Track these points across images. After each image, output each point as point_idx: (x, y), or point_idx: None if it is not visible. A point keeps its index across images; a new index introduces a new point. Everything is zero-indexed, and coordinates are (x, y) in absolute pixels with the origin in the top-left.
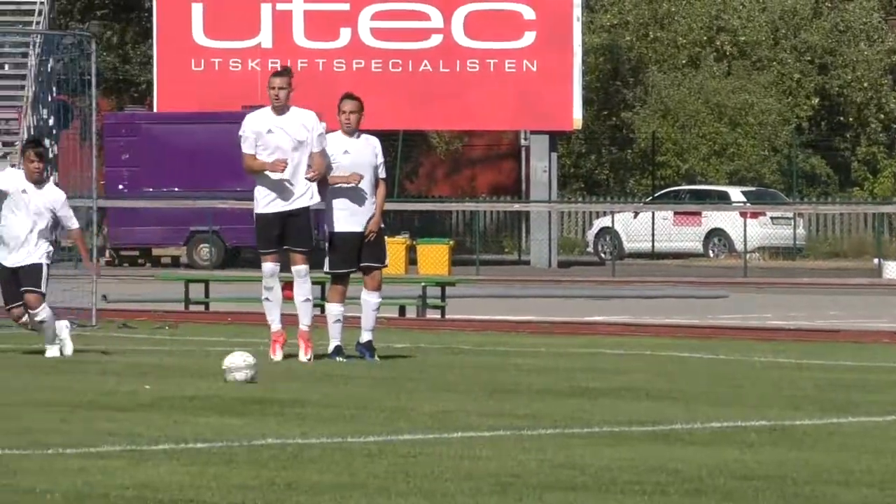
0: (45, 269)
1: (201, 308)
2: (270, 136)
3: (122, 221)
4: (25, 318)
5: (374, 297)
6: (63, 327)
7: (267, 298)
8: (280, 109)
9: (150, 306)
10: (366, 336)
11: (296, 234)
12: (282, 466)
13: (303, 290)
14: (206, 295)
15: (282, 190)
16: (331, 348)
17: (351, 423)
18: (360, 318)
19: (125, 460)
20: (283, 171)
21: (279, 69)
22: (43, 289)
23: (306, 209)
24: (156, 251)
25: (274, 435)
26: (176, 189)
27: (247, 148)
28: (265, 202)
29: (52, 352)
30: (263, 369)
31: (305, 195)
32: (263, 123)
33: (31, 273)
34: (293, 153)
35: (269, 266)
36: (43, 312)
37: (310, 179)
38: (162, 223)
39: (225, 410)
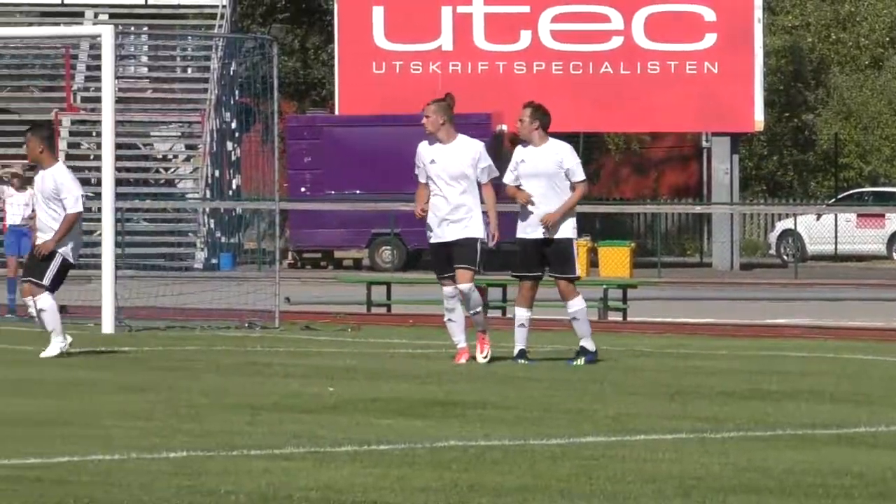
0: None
1: (383, 310)
2: (433, 166)
3: (305, 224)
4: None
5: (570, 307)
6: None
7: (450, 319)
8: (446, 138)
9: (333, 308)
10: (581, 342)
11: (461, 258)
12: (464, 468)
13: (471, 304)
14: (388, 297)
15: (446, 223)
16: (515, 351)
17: (533, 425)
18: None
19: (309, 462)
20: (422, 213)
21: (441, 97)
22: (43, 280)
23: (473, 239)
24: (338, 253)
25: (456, 437)
26: (357, 192)
27: (421, 177)
28: (434, 233)
29: (49, 351)
30: (445, 371)
31: (471, 226)
32: (428, 153)
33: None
34: (453, 183)
35: (448, 290)
36: (41, 302)
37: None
38: (344, 225)
39: (407, 412)
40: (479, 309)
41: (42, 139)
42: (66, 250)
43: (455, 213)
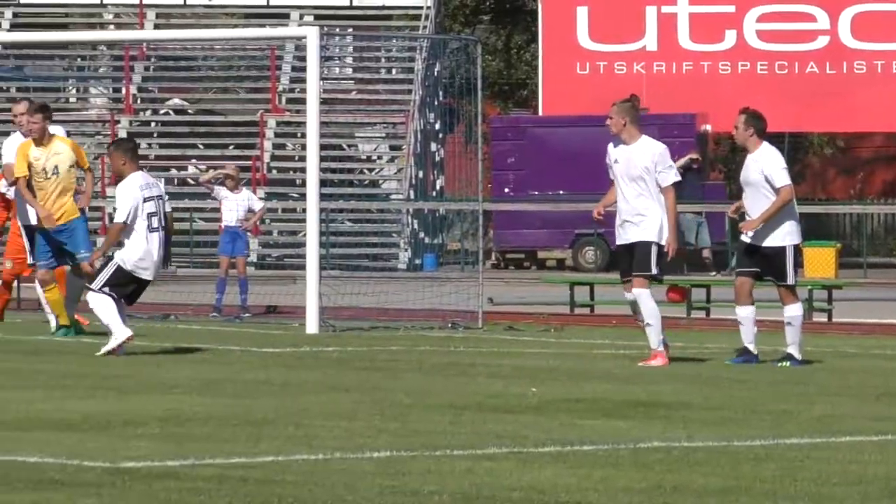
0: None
1: (586, 311)
2: (616, 166)
3: (508, 224)
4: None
5: (785, 312)
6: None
7: (648, 323)
8: (629, 139)
9: (536, 309)
10: (789, 348)
11: (635, 264)
12: (667, 469)
13: (641, 314)
14: (591, 298)
15: (627, 224)
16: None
17: (737, 426)
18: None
19: (512, 462)
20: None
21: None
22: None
23: (647, 243)
24: (541, 254)
25: (659, 438)
26: (561, 192)
27: (611, 176)
28: (617, 235)
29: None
30: (648, 372)
31: (646, 229)
32: (613, 154)
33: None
34: (632, 185)
35: (627, 294)
36: (90, 301)
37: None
38: (547, 226)
39: (610, 413)
40: (651, 322)
41: (124, 152)
42: (123, 257)
43: (633, 215)
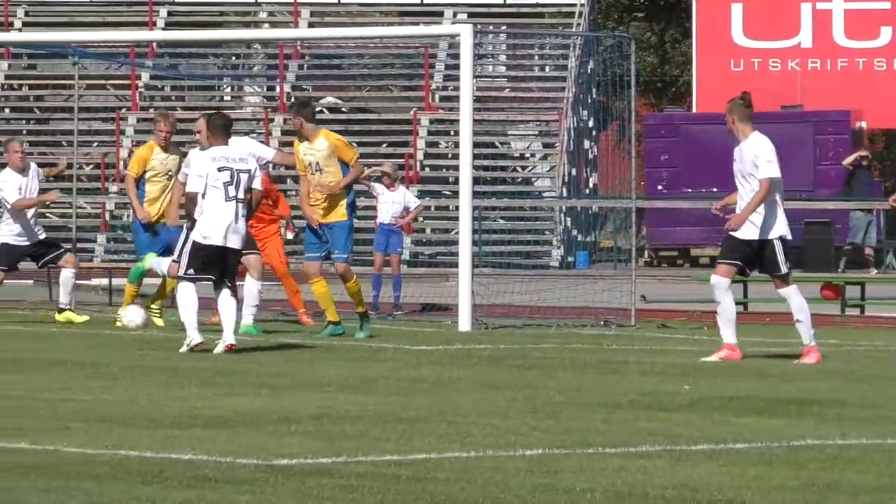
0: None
1: (740, 308)
2: (734, 164)
3: (661, 222)
4: None
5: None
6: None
7: (798, 319)
8: (741, 137)
9: (689, 307)
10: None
11: (768, 266)
12: (821, 467)
13: (793, 308)
14: (745, 295)
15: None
16: None
17: (892, 423)
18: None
19: (664, 460)
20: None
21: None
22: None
23: (767, 241)
24: (694, 251)
25: (813, 436)
26: (714, 189)
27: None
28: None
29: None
30: (802, 370)
31: (763, 226)
32: (735, 152)
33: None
34: (744, 182)
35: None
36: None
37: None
38: (700, 223)
39: (763, 411)
40: (800, 318)
41: (210, 125)
42: (195, 233)
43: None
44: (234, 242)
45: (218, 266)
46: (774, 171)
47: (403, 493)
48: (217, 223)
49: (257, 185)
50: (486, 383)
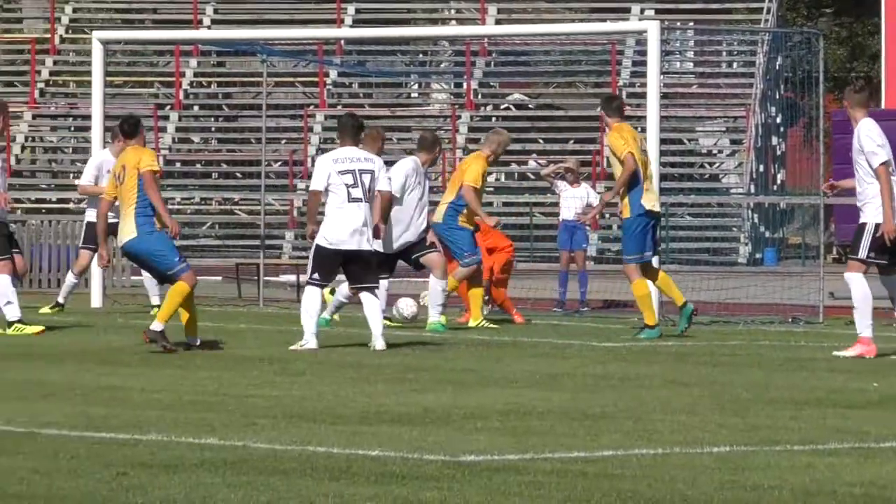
0: None
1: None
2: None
3: (850, 218)
4: None
5: None
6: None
7: (855, 307)
8: (854, 123)
9: (877, 303)
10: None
11: (851, 246)
12: None
13: (853, 295)
14: None
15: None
16: None
17: None
18: None
19: (853, 458)
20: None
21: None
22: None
23: (861, 225)
24: None
25: None
26: None
27: None
28: None
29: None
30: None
31: (864, 212)
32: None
33: None
34: (856, 168)
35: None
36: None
37: None
38: None
39: None
40: (858, 305)
41: (342, 127)
42: (319, 237)
43: (859, 199)
44: (365, 244)
45: (335, 271)
46: (882, 157)
47: (590, 490)
48: (340, 227)
49: (383, 186)
50: (672, 380)
